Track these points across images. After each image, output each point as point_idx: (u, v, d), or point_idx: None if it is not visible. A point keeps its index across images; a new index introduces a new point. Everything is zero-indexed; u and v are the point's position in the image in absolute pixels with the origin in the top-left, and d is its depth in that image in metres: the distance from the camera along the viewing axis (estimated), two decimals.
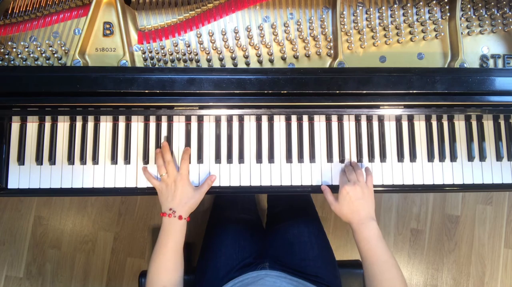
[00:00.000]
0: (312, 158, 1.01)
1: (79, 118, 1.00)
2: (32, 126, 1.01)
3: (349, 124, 1.03)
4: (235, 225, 1.16)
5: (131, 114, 0.97)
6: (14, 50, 0.96)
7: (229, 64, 1.02)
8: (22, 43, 0.96)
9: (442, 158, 1.02)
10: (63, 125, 1.01)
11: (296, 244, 0.94)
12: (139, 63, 1.00)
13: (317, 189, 1.02)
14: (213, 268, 1.08)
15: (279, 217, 1.07)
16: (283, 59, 1.02)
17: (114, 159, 1.00)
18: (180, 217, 0.91)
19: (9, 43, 0.97)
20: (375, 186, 1.01)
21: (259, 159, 1.01)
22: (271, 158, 1.01)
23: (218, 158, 1.01)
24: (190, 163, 1.00)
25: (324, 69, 1.00)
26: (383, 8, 1.01)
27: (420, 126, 1.04)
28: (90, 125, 1.01)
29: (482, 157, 1.03)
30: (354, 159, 1.02)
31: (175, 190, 0.93)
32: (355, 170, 0.96)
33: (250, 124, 1.03)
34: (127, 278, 1.90)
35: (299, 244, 0.91)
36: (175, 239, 0.90)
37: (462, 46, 0.99)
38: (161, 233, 0.91)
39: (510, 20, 1.03)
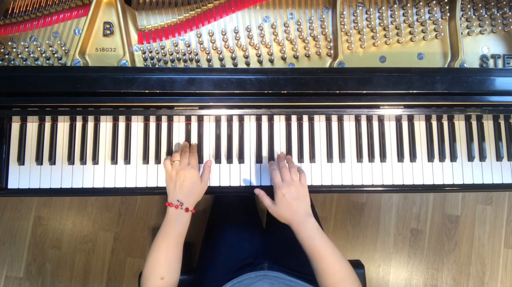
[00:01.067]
0: (312, 158, 1.01)
1: (79, 118, 1.00)
2: (32, 126, 1.01)
3: (349, 124, 1.03)
4: (234, 225, 1.16)
5: (131, 114, 0.97)
6: (14, 50, 0.96)
7: (229, 64, 1.02)
8: (22, 43, 0.96)
9: (442, 158, 1.02)
10: (63, 125, 1.01)
11: (294, 245, 0.94)
12: (139, 63, 1.00)
13: (317, 189, 1.02)
14: (212, 268, 1.08)
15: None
16: (283, 59, 1.02)
17: (114, 159, 1.00)
18: (187, 209, 0.91)
19: (9, 43, 0.97)
20: (376, 186, 1.01)
21: (259, 159, 1.01)
22: (271, 158, 1.01)
23: (218, 158, 1.01)
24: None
25: (324, 69, 1.00)
26: (383, 8, 1.01)
27: (420, 126, 1.04)
28: (90, 125, 1.01)
29: (482, 157, 1.03)
30: (354, 159, 1.02)
31: (184, 179, 0.92)
32: (289, 169, 0.94)
33: (250, 124, 1.03)
34: (127, 278, 1.90)
35: (298, 244, 0.91)
36: (179, 231, 0.89)
37: (462, 46, 0.99)
38: (165, 223, 0.90)
39: (510, 20, 1.03)
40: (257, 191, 0.95)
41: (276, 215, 0.92)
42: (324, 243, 0.86)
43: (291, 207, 0.89)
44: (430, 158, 1.02)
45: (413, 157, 1.02)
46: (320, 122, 1.03)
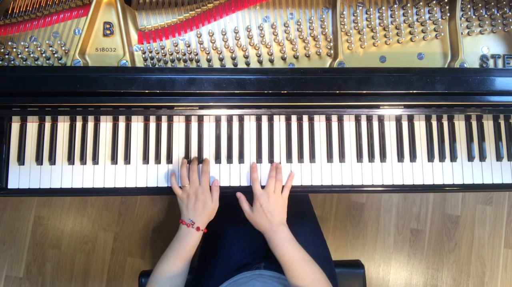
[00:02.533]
0: (312, 158, 1.01)
1: (79, 118, 1.00)
2: (32, 126, 1.01)
3: (349, 124, 1.03)
4: (234, 225, 1.16)
5: (131, 114, 0.97)
6: (14, 50, 0.96)
7: (229, 64, 1.02)
8: (22, 43, 0.96)
9: (442, 158, 1.02)
10: (63, 125, 1.01)
11: None
12: (139, 63, 1.00)
13: (317, 189, 1.02)
14: (211, 268, 1.08)
15: None
16: (283, 59, 1.02)
17: (114, 159, 1.00)
18: (198, 229, 0.93)
19: (9, 43, 0.97)
20: (376, 186, 1.01)
21: (259, 159, 1.01)
22: (271, 158, 1.01)
23: (218, 158, 1.01)
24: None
25: (324, 69, 1.00)
26: (383, 8, 1.01)
27: (420, 126, 1.04)
28: (90, 125, 1.01)
29: (482, 157, 1.03)
30: (354, 159, 1.02)
31: (196, 202, 0.94)
32: (275, 179, 0.97)
33: (250, 124, 1.03)
34: (127, 278, 1.90)
35: None
36: (188, 248, 0.92)
37: (462, 46, 0.99)
38: (176, 239, 0.93)
39: (510, 20, 1.03)
40: (238, 195, 0.98)
41: (252, 221, 0.96)
42: (294, 249, 0.89)
43: (266, 217, 0.93)
44: (430, 158, 1.02)
45: (413, 157, 1.02)
46: (320, 122, 1.03)
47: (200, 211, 0.94)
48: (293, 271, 0.86)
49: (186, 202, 0.95)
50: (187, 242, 0.92)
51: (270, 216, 0.93)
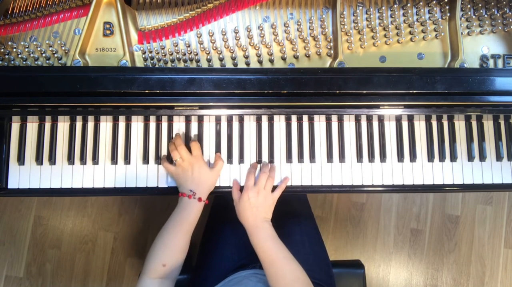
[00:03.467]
0: (312, 158, 1.01)
1: (79, 118, 1.00)
2: (32, 126, 1.01)
3: (349, 124, 1.03)
4: (233, 226, 1.16)
5: (131, 114, 0.97)
6: (14, 50, 0.96)
7: (229, 64, 1.02)
8: (22, 43, 0.96)
9: (442, 158, 1.02)
10: (63, 125, 1.01)
11: (287, 244, 0.94)
12: (139, 63, 1.00)
13: (317, 189, 1.02)
14: (209, 268, 1.08)
15: (272, 217, 1.08)
16: (283, 59, 1.02)
17: (114, 159, 1.00)
18: (200, 199, 0.91)
19: (9, 43, 0.97)
20: (376, 186, 1.01)
21: (259, 159, 1.01)
22: (271, 158, 1.01)
23: None
24: None
25: (324, 69, 1.00)
26: (383, 8, 1.01)
27: (420, 126, 1.04)
28: (90, 125, 1.01)
29: (482, 157, 1.03)
30: (354, 159, 1.02)
31: (192, 172, 0.92)
32: (268, 175, 0.96)
33: (250, 124, 1.03)
34: (127, 278, 1.90)
35: (291, 243, 0.91)
36: (190, 221, 0.90)
37: (462, 46, 0.99)
38: (177, 212, 0.90)
39: (510, 20, 1.03)
40: (234, 182, 0.98)
41: (237, 212, 0.94)
42: (275, 246, 0.88)
43: (251, 211, 0.91)
44: (430, 158, 1.02)
45: (413, 157, 1.02)
46: (320, 122, 1.03)
47: (199, 180, 0.91)
48: (274, 268, 0.85)
49: (183, 175, 0.92)
50: (189, 214, 0.89)
51: (255, 210, 0.91)
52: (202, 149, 1.01)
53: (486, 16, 1.03)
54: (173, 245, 0.87)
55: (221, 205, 1.29)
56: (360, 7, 1.02)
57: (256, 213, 0.92)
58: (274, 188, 0.98)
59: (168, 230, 0.88)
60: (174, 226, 0.88)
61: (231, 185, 1.00)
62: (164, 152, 1.01)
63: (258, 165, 1.01)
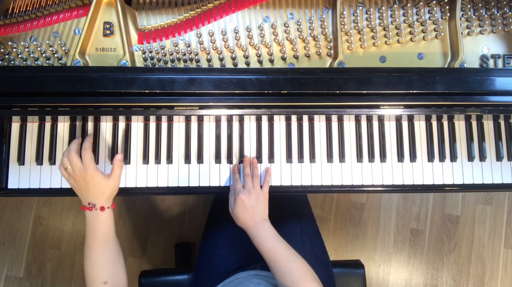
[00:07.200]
0: (312, 158, 1.01)
1: (79, 118, 1.00)
2: (32, 126, 1.01)
3: (349, 124, 1.03)
4: (233, 226, 1.16)
5: (131, 114, 0.97)
6: (14, 50, 0.96)
7: (229, 64, 1.02)
8: (22, 43, 0.96)
9: (442, 158, 1.02)
10: (63, 125, 1.01)
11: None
12: (139, 63, 1.00)
13: (317, 189, 1.02)
14: (209, 268, 1.08)
15: (272, 217, 1.08)
16: (283, 59, 1.02)
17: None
18: (102, 208, 0.87)
19: (9, 43, 0.97)
20: (376, 186, 1.01)
21: (259, 159, 1.01)
22: (271, 158, 1.01)
23: (218, 158, 1.01)
24: (190, 163, 1.00)
25: (324, 69, 1.01)
26: (383, 8, 1.01)
27: (420, 126, 1.04)
28: (90, 125, 1.01)
29: (482, 157, 1.03)
30: (354, 159, 1.02)
31: (85, 184, 0.87)
32: (252, 175, 0.97)
33: (250, 124, 1.03)
34: (127, 278, 1.90)
35: (291, 244, 0.91)
36: (103, 232, 0.87)
37: (462, 46, 0.99)
38: (87, 228, 0.87)
39: (510, 20, 1.03)
40: (231, 188, 0.98)
41: (234, 217, 0.94)
42: (279, 244, 0.88)
43: (248, 212, 0.92)
44: (430, 158, 1.02)
45: (413, 157, 1.02)
46: (320, 122, 1.03)
47: (95, 190, 0.87)
48: (279, 267, 0.85)
49: (77, 186, 0.87)
50: (98, 226, 0.86)
51: (252, 211, 0.92)
52: (202, 149, 1.01)
53: (486, 16, 1.03)
54: (101, 262, 0.85)
55: (220, 206, 1.29)
56: (360, 7, 1.02)
57: (253, 214, 0.92)
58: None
59: (88, 249, 0.85)
60: (91, 244, 0.85)
61: (232, 184, 1.00)
62: (164, 152, 1.01)
63: (259, 166, 1.01)
